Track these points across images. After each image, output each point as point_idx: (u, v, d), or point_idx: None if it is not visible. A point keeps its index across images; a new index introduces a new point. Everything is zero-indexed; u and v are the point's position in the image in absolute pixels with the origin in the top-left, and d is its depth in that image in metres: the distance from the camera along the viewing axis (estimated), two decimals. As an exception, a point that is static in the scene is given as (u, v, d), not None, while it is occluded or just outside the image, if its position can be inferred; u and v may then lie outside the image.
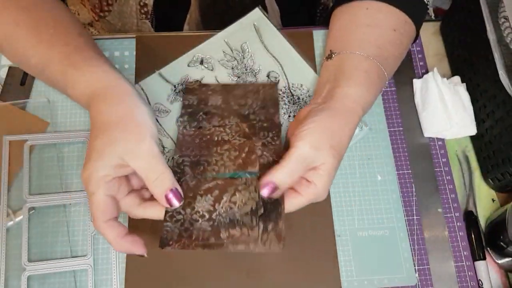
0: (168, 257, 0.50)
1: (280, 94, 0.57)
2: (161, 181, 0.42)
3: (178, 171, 0.48)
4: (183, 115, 0.54)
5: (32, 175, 0.53)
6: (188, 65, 0.59)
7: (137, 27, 0.69)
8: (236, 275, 0.49)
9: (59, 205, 0.52)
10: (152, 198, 0.44)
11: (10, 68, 0.58)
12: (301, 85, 0.58)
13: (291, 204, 0.44)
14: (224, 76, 0.58)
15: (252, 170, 0.47)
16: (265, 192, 0.43)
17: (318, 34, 0.62)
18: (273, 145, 0.50)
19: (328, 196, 0.53)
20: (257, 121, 0.52)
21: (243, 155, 0.49)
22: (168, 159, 0.53)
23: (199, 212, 0.44)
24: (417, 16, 0.54)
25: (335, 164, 0.44)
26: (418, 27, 0.55)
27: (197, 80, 0.57)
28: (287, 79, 0.58)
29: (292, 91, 0.58)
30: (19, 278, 0.48)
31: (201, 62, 0.59)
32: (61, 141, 0.54)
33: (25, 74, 0.57)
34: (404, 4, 0.53)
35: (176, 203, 0.43)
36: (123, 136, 0.42)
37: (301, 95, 0.57)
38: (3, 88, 0.57)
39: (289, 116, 0.56)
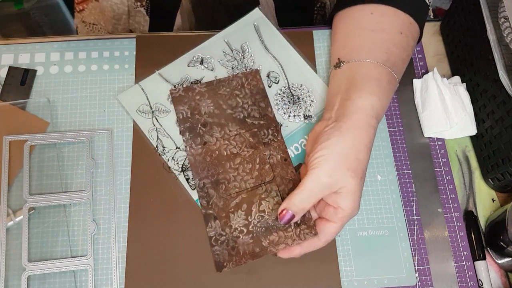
0: (168, 257, 0.50)
1: (280, 94, 0.57)
2: None
3: (204, 195, 0.51)
4: (183, 132, 0.54)
5: (32, 175, 0.53)
6: (188, 65, 0.58)
7: (128, 15, 0.68)
8: (236, 275, 0.49)
9: (59, 205, 0.52)
10: None
11: (10, 68, 0.58)
12: (301, 85, 0.58)
13: (328, 233, 0.45)
14: (224, 76, 0.58)
15: (269, 179, 0.51)
16: (284, 220, 0.45)
17: (318, 34, 0.62)
18: (276, 141, 0.53)
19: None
20: (255, 124, 0.54)
21: (257, 166, 0.52)
22: (169, 159, 0.53)
23: (237, 229, 0.49)
24: (420, 17, 0.54)
25: (356, 184, 0.44)
26: (421, 28, 0.55)
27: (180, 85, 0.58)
28: (287, 79, 0.58)
29: (292, 91, 0.58)
30: (19, 278, 0.48)
31: (201, 62, 0.59)
32: (61, 141, 0.54)
33: (25, 74, 0.57)
34: (408, 6, 0.53)
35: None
36: None
37: (301, 95, 0.57)
38: (3, 88, 0.57)
39: (289, 116, 0.56)
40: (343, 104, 0.48)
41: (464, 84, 0.59)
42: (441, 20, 0.65)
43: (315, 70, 0.59)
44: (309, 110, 0.57)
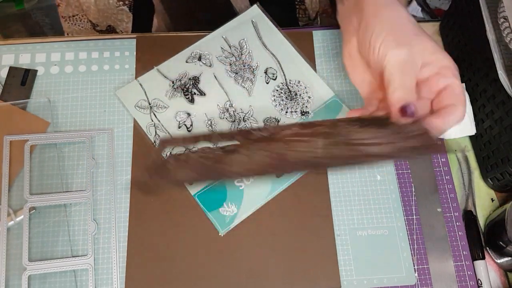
0: (168, 257, 0.50)
1: (277, 90, 0.58)
2: None
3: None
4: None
5: (32, 175, 0.53)
6: (186, 61, 0.59)
7: (96, 6, 0.66)
8: (236, 275, 0.50)
9: (59, 204, 0.52)
10: None
11: (10, 68, 0.58)
12: (299, 81, 0.58)
13: (458, 93, 0.41)
14: (222, 72, 0.58)
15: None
16: (407, 116, 0.39)
17: (317, 35, 0.62)
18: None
19: (328, 195, 0.53)
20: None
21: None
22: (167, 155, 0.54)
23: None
24: None
25: (423, 37, 0.41)
26: None
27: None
28: (284, 75, 0.58)
29: (289, 87, 0.58)
30: (19, 278, 0.48)
31: (199, 58, 0.59)
32: (61, 141, 0.54)
33: (26, 74, 0.58)
34: None
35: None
36: None
37: (298, 91, 0.58)
38: (3, 88, 0.57)
39: (286, 112, 0.56)
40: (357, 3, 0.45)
41: (463, 84, 0.59)
42: (440, 20, 0.65)
43: (314, 68, 0.59)
44: (306, 106, 0.57)
